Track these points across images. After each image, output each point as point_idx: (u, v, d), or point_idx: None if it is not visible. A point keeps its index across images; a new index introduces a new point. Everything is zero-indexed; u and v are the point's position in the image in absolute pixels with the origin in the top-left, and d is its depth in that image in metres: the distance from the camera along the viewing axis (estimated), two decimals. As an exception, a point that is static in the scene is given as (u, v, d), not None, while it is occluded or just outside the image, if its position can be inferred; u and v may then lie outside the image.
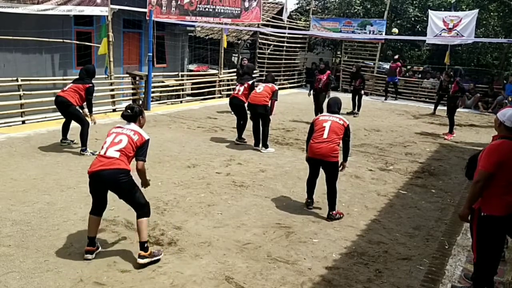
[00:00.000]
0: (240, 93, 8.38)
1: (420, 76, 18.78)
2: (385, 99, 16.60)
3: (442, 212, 5.68)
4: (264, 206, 5.44)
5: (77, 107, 7.10)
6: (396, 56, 17.23)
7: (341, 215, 5.24)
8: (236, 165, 7.02)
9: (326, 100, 9.82)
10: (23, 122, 9.23)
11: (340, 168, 5.31)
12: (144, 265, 3.83)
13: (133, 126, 4.00)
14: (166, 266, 3.91)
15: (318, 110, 10.57)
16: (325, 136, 5.13)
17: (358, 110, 12.65)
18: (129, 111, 4.04)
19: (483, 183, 3.33)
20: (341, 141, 5.22)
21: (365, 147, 8.79)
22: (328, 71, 11.05)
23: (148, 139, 3.99)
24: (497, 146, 3.37)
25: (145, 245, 3.89)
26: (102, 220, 4.63)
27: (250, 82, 8.47)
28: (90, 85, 7.01)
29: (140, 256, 3.85)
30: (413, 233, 4.99)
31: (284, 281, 3.81)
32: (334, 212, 5.19)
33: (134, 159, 3.94)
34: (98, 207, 4.02)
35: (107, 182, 3.83)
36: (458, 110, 11.16)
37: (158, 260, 3.93)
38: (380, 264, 4.22)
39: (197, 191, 5.74)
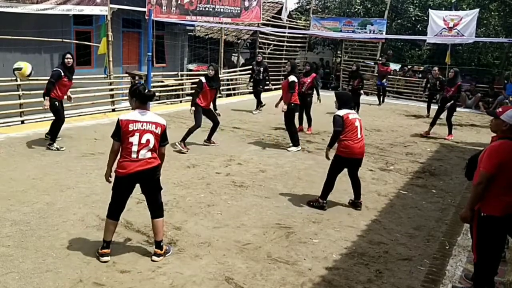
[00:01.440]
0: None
1: (420, 76, 18.75)
2: (379, 104, 15.45)
3: (443, 213, 5.66)
4: (264, 206, 5.43)
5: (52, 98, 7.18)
6: (383, 59, 15.60)
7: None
8: (236, 165, 7.01)
9: (315, 103, 9.78)
10: (23, 122, 9.21)
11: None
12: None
13: (150, 116, 3.98)
14: (166, 266, 3.90)
15: (303, 116, 9.80)
16: (359, 135, 5.34)
17: (357, 110, 12.47)
18: (137, 92, 4.05)
19: (485, 184, 3.32)
20: None
21: (366, 147, 8.73)
22: (314, 74, 10.04)
23: (166, 124, 4.08)
24: (498, 147, 3.35)
25: (161, 244, 4.05)
26: (102, 221, 4.65)
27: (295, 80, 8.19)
28: (54, 69, 7.26)
29: (156, 254, 4.01)
30: (413, 233, 4.97)
31: (284, 281, 3.80)
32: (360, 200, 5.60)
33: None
34: (119, 211, 4.03)
35: (145, 179, 3.97)
36: (458, 110, 11.18)
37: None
38: (380, 264, 4.21)
39: (197, 191, 5.73)
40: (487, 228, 3.40)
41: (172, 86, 13.44)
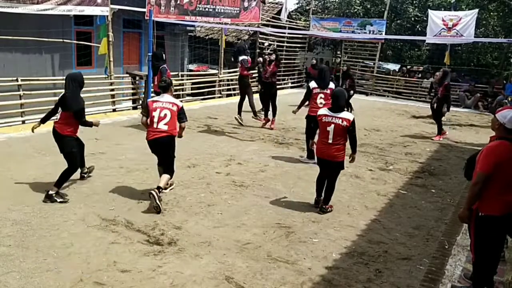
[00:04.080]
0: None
1: (420, 76, 18.78)
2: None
3: (442, 212, 5.68)
4: (264, 206, 5.44)
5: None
6: (314, 61, 14.80)
7: (331, 208, 5.41)
8: (236, 165, 7.02)
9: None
10: (23, 122, 9.22)
11: (350, 160, 5.43)
12: (154, 197, 4.89)
13: (168, 97, 5.28)
14: (166, 266, 3.91)
15: (269, 107, 9.77)
16: (330, 141, 5.17)
17: (351, 110, 12.27)
18: (163, 82, 5.41)
19: (481, 185, 3.33)
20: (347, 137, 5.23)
21: (365, 147, 8.79)
22: (276, 62, 9.73)
23: (183, 105, 5.34)
24: (495, 148, 3.36)
25: (160, 190, 5.10)
26: (102, 220, 4.69)
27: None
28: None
29: (154, 191, 4.96)
30: (413, 233, 4.99)
31: (284, 281, 3.81)
32: (327, 206, 5.37)
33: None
34: (161, 160, 5.41)
35: (162, 144, 5.22)
36: (458, 110, 11.15)
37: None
38: (380, 264, 4.22)
39: (197, 191, 5.74)
40: (486, 227, 3.41)
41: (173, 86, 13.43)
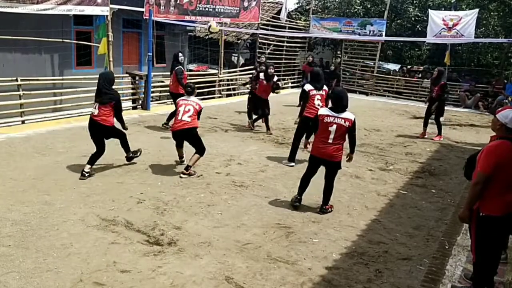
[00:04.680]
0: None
1: (420, 76, 18.77)
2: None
3: (442, 212, 5.67)
4: (264, 206, 5.43)
5: None
6: (310, 59, 13.90)
7: (332, 209, 5.43)
8: (236, 165, 7.02)
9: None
10: (23, 122, 9.21)
11: (347, 159, 5.47)
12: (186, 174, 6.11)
13: (194, 98, 6.47)
14: (166, 266, 3.90)
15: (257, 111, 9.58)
16: (330, 141, 5.15)
17: None
18: (189, 88, 6.59)
19: (482, 185, 3.32)
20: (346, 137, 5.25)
21: (365, 147, 8.78)
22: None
23: (203, 107, 6.53)
24: (496, 148, 3.35)
25: (189, 168, 6.23)
26: (102, 220, 4.70)
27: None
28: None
29: (183, 173, 6.22)
30: (413, 233, 4.98)
31: (284, 281, 3.81)
32: (327, 206, 5.39)
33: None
34: (180, 145, 6.58)
35: (185, 134, 6.30)
36: (458, 110, 11.14)
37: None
38: (380, 264, 4.22)
39: (197, 191, 5.74)
40: (486, 228, 3.41)
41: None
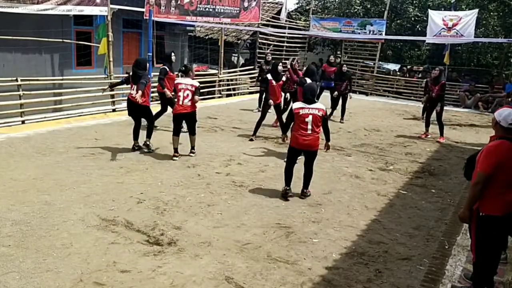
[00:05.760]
0: None
1: (420, 76, 18.77)
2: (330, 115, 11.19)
3: (442, 212, 5.68)
4: (264, 206, 5.44)
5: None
6: (332, 59, 12.38)
7: (310, 193, 5.84)
8: (236, 165, 7.02)
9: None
10: (23, 122, 9.21)
11: (325, 149, 6.02)
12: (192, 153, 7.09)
13: (188, 80, 6.87)
14: (166, 266, 3.91)
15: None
16: (309, 132, 5.53)
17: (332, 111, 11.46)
18: (183, 68, 7.20)
19: (482, 185, 3.32)
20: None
21: (365, 147, 8.79)
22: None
23: (199, 85, 6.98)
24: (495, 147, 3.36)
25: (194, 149, 7.24)
26: (102, 220, 4.69)
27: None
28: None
29: (192, 152, 7.21)
30: (413, 233, 4.99)
31: (284, 281, 3.81)
32: (307, 190, 5.81)
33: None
34: (178, 131, 7.00)
35: (186, 116, 6.95)
36: (458, 110, 11.12)
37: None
38: (380, 264, 4.22)
39: (197, 191, 5.74)
40: (486, 228, 3.41)
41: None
